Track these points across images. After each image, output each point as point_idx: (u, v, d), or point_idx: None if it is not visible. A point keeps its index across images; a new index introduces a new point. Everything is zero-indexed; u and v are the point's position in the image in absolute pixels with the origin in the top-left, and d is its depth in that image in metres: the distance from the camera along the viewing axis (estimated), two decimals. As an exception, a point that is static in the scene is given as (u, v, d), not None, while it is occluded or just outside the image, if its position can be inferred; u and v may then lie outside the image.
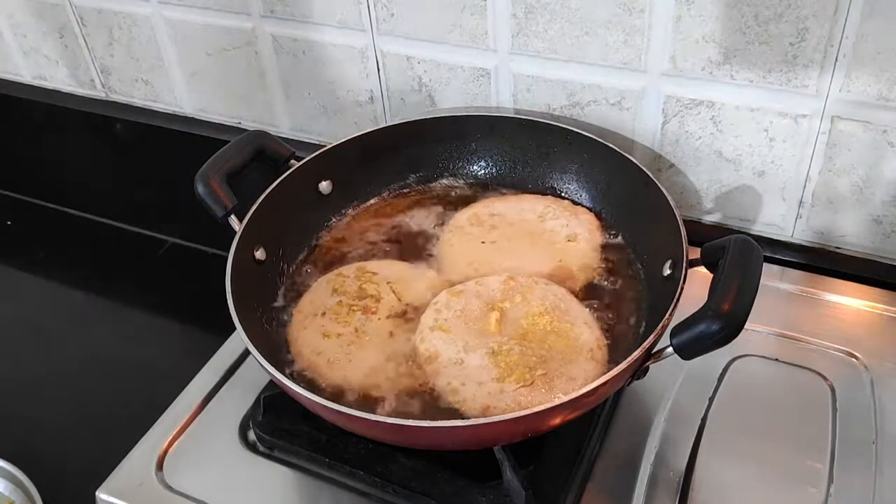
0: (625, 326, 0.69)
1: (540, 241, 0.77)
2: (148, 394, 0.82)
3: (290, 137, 1.01)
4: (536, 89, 0.84)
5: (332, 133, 0.99)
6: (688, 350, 0.56)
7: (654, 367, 0.60)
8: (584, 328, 0.67)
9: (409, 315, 0.71)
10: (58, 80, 1.16)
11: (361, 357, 0.67)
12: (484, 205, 0.81)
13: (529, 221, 0.78)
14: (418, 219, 0.82)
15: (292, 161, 0.79)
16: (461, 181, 0.86)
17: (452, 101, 0.89)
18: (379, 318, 0.70)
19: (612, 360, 0.66)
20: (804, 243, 0.82)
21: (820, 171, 0.76)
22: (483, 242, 0.77)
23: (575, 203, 0.81)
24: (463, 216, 0.80)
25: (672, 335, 0.56)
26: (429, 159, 0.85)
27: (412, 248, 0.79)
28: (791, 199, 0.79)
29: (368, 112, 0.95)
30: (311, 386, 0.66)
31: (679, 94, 0.77)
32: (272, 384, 0.69)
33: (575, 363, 0.64)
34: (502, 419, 0.55)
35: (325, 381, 0.66)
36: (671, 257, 0.67)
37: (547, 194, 0.82)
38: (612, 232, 0.78)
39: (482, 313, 0.68)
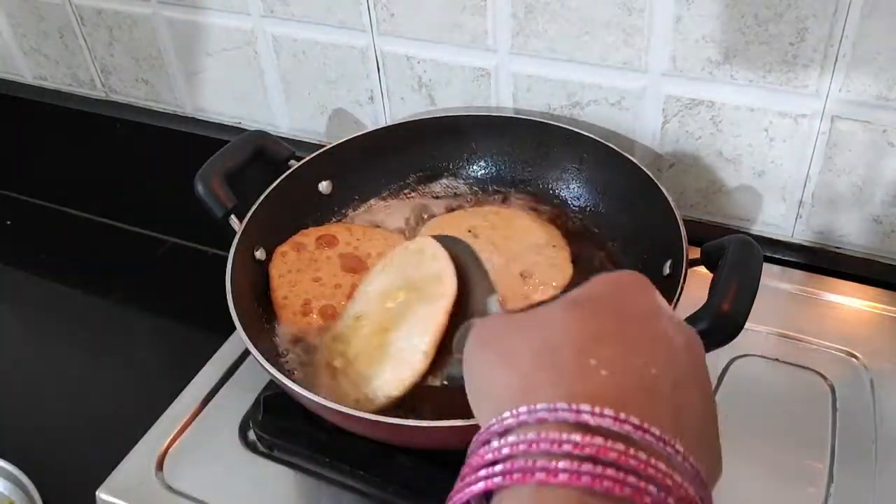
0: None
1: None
2: (148, 394, 0.82)
3: (290, 137, 1.01)
4: (536, 89, 0.84)
5: (332, 133, 0.99)
6: (688, 350, 0.56)
7: (654, 367, 0.60)
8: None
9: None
10: (58, 80, 1.16)
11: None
12: None
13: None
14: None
15: (292, 161, 0.79)
16: (461, 181, 0.86)
17: (452, 101, 0.89)
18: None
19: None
20: (804, 243, 0.82)
21: (820, 170, 0.76)
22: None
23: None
24: None
25: (672, 335, 0.56)
26: (429, 159, 0.85)
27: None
28: (791, 199, 0.79)
29: (368, 112, 0.95)
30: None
31: (679, 94, 0.77)
32: (272, 384, 0.69)
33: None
34: (502, 419, 0.55)
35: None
36: (671, 257, 0.67)
37: (549, 195, 0.83)
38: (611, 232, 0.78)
39: None
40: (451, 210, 0.83)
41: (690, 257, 0.63)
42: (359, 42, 0.89)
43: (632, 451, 0.28)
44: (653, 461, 0.28)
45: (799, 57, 0.70)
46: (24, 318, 1.01)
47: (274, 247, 0.76)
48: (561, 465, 0.27)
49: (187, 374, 0.76)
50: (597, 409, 0.29)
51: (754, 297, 0.55)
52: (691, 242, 0.65)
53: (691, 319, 0.55)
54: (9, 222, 1.17)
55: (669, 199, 0.69)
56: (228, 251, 0.69)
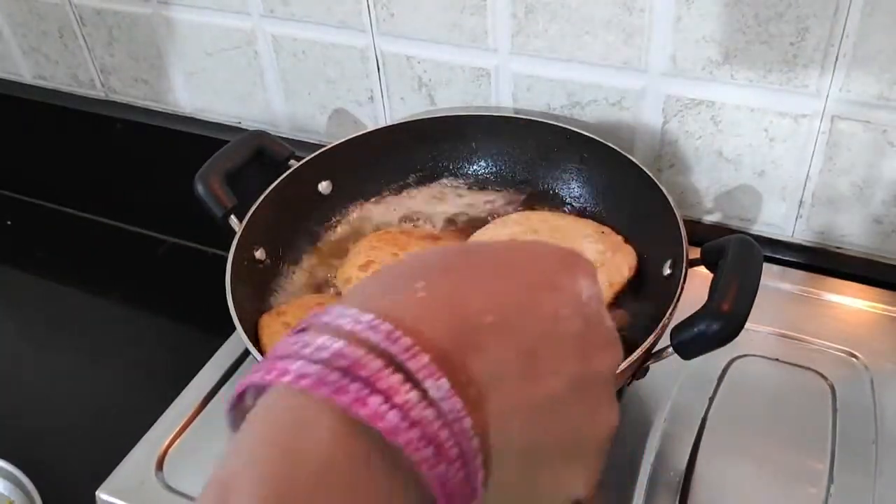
0: (624, 326, 0.69)
1: None
2: (148, 394, 0.82)
3: (290, 137, 1.01)
4: (536, 89, 0.83)
5: (332, 133, 0.99)
6: (688, 350, 0.56)
7: (654, 367, 0.60)
8: None
9: None
10: (58, 80, 1.16)
11: None
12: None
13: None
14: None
15: (292, 161, 0.79)
16: (461, 181, 0.86)
17: (452, 101, 0.89)
18: None
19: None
20: (804, 243, 0.82)
21: (820, 170, 0.76)
22: None
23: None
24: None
25: (672, 335, 0.56)
26: (429, 159, 0.85)
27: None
28: (791, 199, 0.79)
29: (368, 112, 0.95)
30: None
31: (679, 93, 0.77)
32: (272, 384, 0.69)
33: None
34: (502, 419, 0.55)
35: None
36: (671, 257, 0.67)
37: (549, 195, 0.83)
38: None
39: None
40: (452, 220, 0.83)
41: (690, 257, 0.63)
42: (359, 42, 0.89)
43: (387, 372, 0.25)
44: (402, 388, 0.25)
45: (799, 56, 0.70)
46: (24, 318, 1.01)
47: (275, 247, 0.76)
48: (303, 368, 0.25)
49: (187, 374, 0.76)
50: (375, 322, 0.26)
51: (754, 297, 0.55)
52: (691, 242, 0.65)
53: (691, 319, 0.55)
54: (9, 222, 1.17)
55: (669, 199, 0.69)
56: (228, 251, 0.69)
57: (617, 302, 0.71)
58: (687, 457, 0.65)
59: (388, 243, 0.76)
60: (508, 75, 0.84)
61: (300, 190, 0.79)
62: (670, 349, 0.57)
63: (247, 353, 0.68)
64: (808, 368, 0.71)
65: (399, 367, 0.25)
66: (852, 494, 0.62)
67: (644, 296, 0.71)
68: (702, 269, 0.62)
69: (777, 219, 0.81)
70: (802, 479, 0.63)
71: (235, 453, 0.27)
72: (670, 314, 0.59)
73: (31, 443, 0.82)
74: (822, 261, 0.81)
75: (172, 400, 0.74)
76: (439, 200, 0.84)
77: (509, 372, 0.28)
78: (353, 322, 0.26)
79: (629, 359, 0.56)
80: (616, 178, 0.78)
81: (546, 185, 0.83)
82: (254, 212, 0.73)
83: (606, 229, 0.77)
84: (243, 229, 0.71)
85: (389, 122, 0.93)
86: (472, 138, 0.85)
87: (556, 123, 0.80)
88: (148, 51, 1.04)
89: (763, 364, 0.72)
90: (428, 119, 0.85)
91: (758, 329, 0.74)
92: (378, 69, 0.90)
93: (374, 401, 0.25)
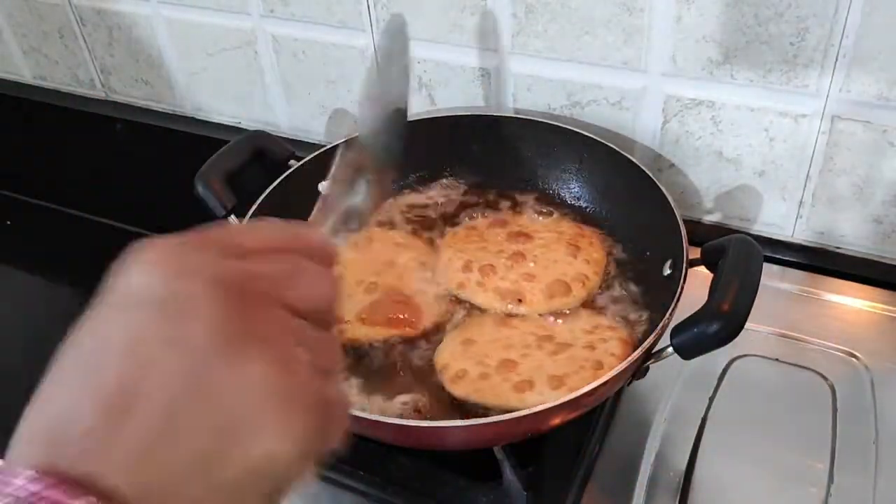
0: (624, 326, 0.69)
1: None
2: (148, 394, 0.82)
3: (290, 137, 1.01)
4: (536, 89, 0.83)
5: (332, 133, 0.99)
6: (688, 350, 0.56)
7: (654, 367, 0.60)
8: None
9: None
10: (58, 80, 1.16)
11: None
12: None
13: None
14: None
15: (292, 161, 0.79)
16: (461, 181, 0.86)
17: (452, 101, 0.89)
18: None
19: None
20: (804, 243, 0.82)
21: (820, 170, 0.76)
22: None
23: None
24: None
25: (672, 335, 0.56)
26: (429, 159, 0.85)
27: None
28: (791, 199, 0.79)
29: (368, 112, 0.95)
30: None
31: (679, 93, 0.77)
32: (272, 384, 0.69)
33: None
34: (502, 419, 0.55)
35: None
36: (671, 257, 0.67)
37: (549, 195, 0.83)
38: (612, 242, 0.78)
39: None
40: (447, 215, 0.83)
41: (690, 257, 0.63)
42: (359, 42, 0.89)
43: None
44: None
45: (799, 56, 0.70)
46: (24, 318, 1.01)
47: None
48: None
49: (187, 374, 0.75)
50: (41, 486, 0.27)
51: (754, 296, 0.55)
52: (691, 242, 0.65)
53: (691, 319, 0.55)
54: (9, 222, 1.17)
55: (669, 199, 0.69)
56: (228, 251, 0.69)
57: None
58: (687, 457, 0.65)
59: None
60: (508, 75, 0.84)
61: (300, 190, 0.78)
62: (670, 349, 0.57)
63: (247, 353, 0.68)
64: (808, 368, 0.71)
65: None
66: (852, 494, 0.62)
67: (644, 296, 0.71)
68: (702, 269, 0.62)
69: (777, 219, 0.81)
70: (802, 479, 0.63)
71: None
72: (670, 314, 0.59)
73: (31, 443, 0.82)
74: (822, 261, 0.81)
75: (172, 400, 0.73)
76: (439, 200, 0.84)
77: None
78: (20, 489, 0.26)
79: (629, 359, 0.56)
80: (616, 178, 0.78)
81: (546, 186, 0.83)
82: (254, 212, 0.73)
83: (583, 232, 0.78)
84: (243, 229, 0.71)
85: (389, 122, 0.92)
86: (472, 138, 0.85)
87: (556, 123, 0.80)
88: (148, 51, 1.04)
89: (763, 364, 0.72)
90: (428, 119, 0.85)
91: (758, 329, 0.74)
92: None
93: None
